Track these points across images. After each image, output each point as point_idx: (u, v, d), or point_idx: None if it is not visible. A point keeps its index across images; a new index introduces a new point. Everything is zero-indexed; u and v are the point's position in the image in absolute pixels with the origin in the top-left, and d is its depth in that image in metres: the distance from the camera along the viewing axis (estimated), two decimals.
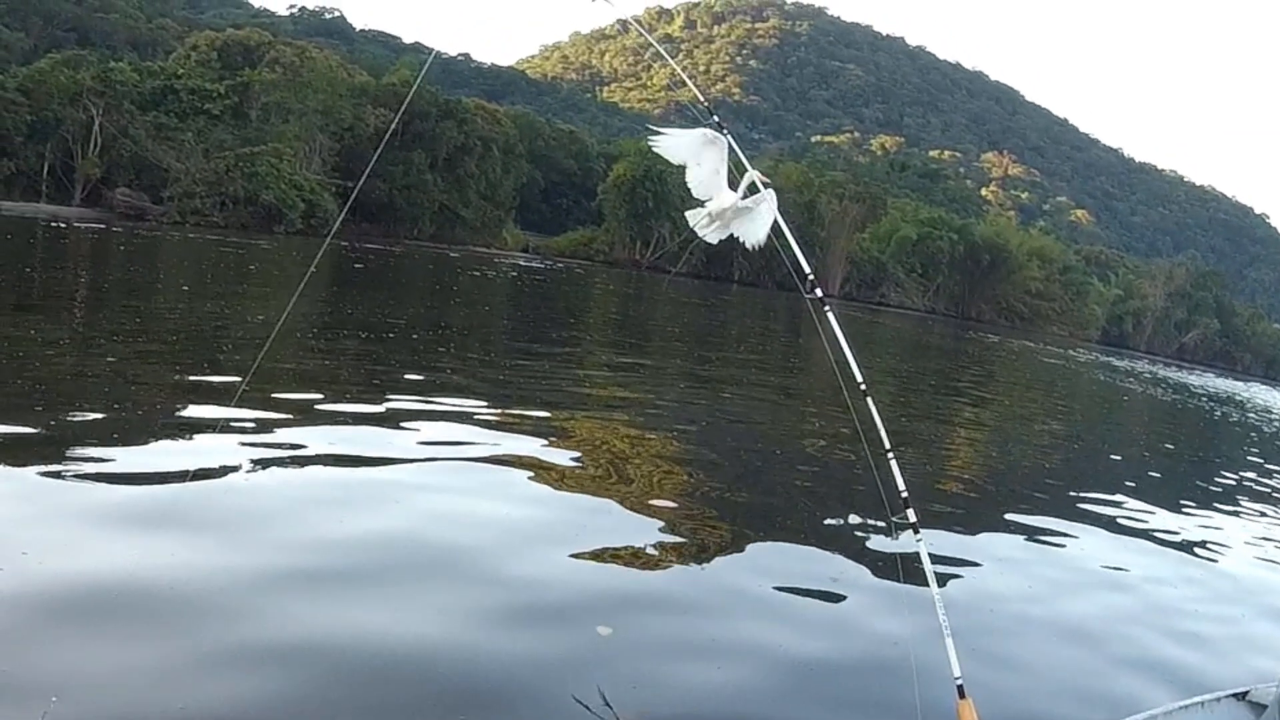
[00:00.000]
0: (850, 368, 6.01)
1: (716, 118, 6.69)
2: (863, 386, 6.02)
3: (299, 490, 11.09)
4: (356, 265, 50.82)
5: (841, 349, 6.00)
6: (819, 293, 6.27)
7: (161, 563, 8.20)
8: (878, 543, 11.59)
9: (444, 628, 7.99)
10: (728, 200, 6.53)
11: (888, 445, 5.89)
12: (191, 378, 16.31)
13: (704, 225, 6.75)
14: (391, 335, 26.17)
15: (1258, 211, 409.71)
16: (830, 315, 6.04)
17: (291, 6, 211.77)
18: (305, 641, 7.37)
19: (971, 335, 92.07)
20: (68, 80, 64.99)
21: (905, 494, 5.79)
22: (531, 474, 13.33)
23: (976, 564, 12.04)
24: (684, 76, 8.03)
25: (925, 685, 6.53)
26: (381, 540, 9.86)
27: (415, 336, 26.76)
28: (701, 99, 7.21)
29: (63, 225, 51.00)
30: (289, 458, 12.04)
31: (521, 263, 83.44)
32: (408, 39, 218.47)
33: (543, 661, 7.65)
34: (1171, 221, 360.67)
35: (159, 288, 30.17)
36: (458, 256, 74.29)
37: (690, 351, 36.45)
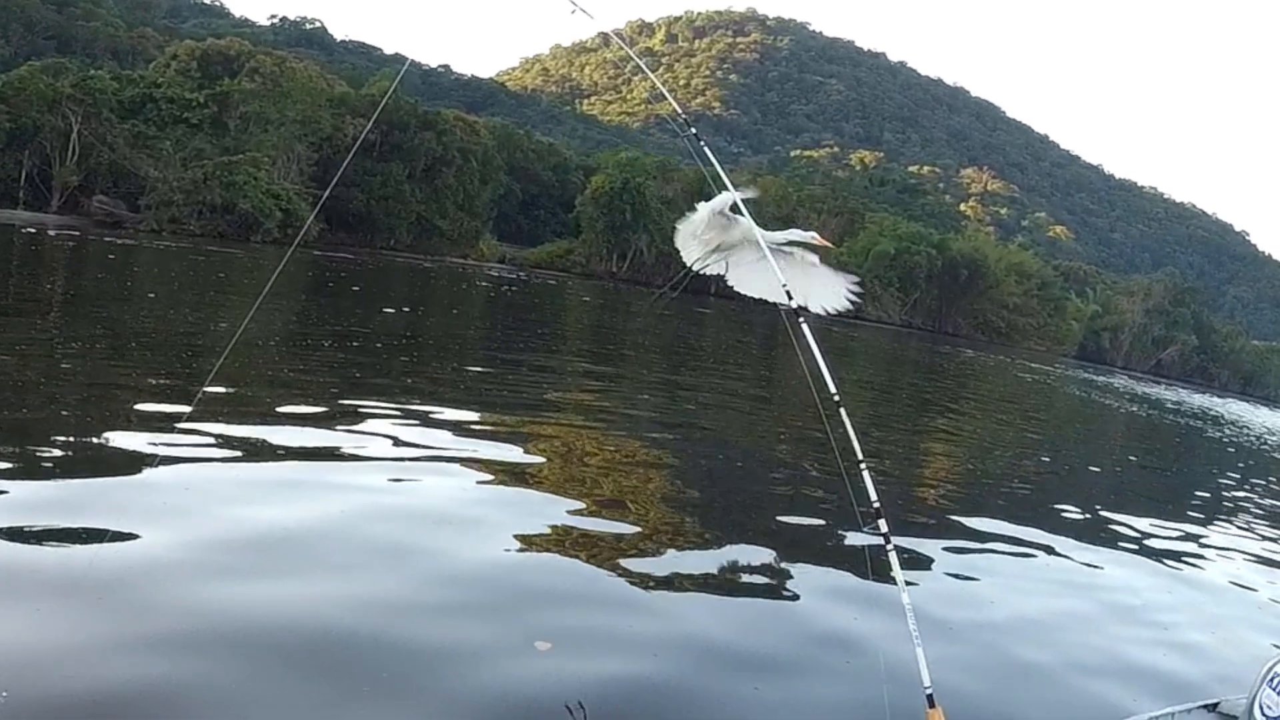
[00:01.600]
0: (824, 378, 6.02)
1: (694, 130, 6.73)
2: (836, 397, 6.03)
3: (243, 482, 11.24)
4: (330, 275, 50.66)
5: (815, 360, 6.01)
6: (794, 304, 6.29)
7: (94, 548, 8.33)
8: (849, 551, 11.58)
9: (371, 614, 8.05)
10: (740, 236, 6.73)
11: (860, 455, 5.91)
12: (150, 381, 16.31)
13: (702, 252, 6.84)
14: (361, 344, 26.10)
15: (1237, 229, 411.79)
16: (805, 326, 6.06)
17: (272, 17, 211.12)
18: (227, 623, 7.49)
19: (948, 349, 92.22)
20: (47, 88, 64.95)
21: (877, 504, 5.80)
22: (490, 474, 13.42)
23: (948, 573, 12.06)
24: (663, 90, 8.09)
25: (896, 693, 6.54)
26: (321, 530, 9.98)
27: (386, 345, 26.67)
28: (680, 112, 7.26)
29: (39, 232, 50.82)
30: (239, 454, 12.17)
31: (497, 274, 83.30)
32: (388, 50, 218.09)
33: (472, 650, 7.73)
34: (1151, 238, 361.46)
35: (126, 295, 30.04)
36: (434, 267, 74.25)
37: (664, 362, 36.48)
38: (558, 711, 6.90)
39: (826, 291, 7.03)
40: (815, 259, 6.90)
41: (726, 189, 6.65)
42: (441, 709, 6.82)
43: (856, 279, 7.17)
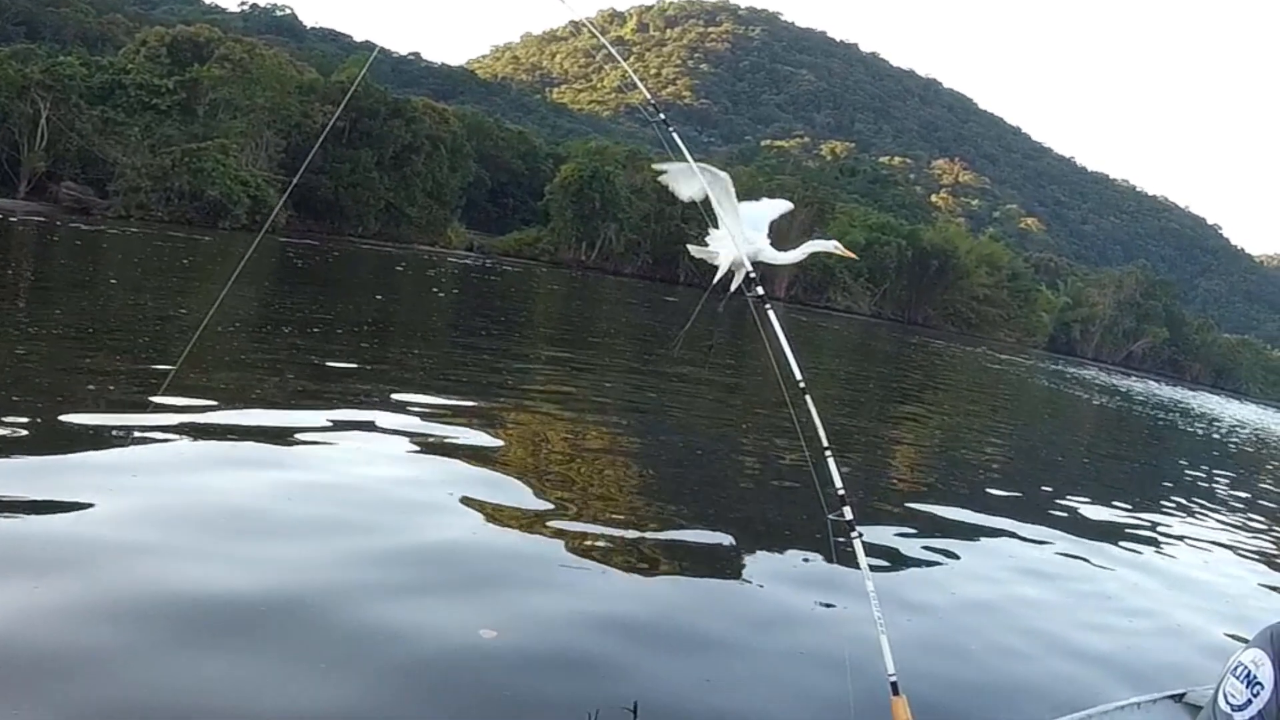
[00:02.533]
0: (790, 366, 5.97)
1: (663, 116, 6.67)
2: (802, 384, 5.98)
3: (201, 461, 11.29)
4: (297, 262, 50.48)
5: (781, 347, 5.97)
6: (759, 290, 6.25)
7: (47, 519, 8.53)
8: (813, 538, 11.50)
9: (317, 591, 8.10)
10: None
11: (825, 443, 5.86)
12: (112, 366, 16.17)
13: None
14: (327, 330, 25.94)
15: (1210, 222, 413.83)
16: (770, 313, 6.01)
17: (242, 4, 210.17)
18: (170, 594, 7.60)
19: (917, 340, 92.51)
20: (15, 73, 64.39)
21: (842, 491, 5.75)
22: (450, 456, 13.44)
23: (914, 560, 12.06)
24: (634, 77, 8.04)
25: (859, 681, 6.50)
26: (272, 508, 10.09)
27: (352, 331, 26.51)
28: (649, 97, 7.21)
29: (5, 219, 50.47)
30: (200, 435, 12.17)
31: (466, 261, 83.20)
32: (358, 37, 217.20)
33: (418, 630, 7.70)
34: (1123, 230, 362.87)
35: (91, 281, 29.81)
36: (402, 254, 74.04)
37: (631, 349, 36.43)
38: (500, 699, 6.86)
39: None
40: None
41: (710, 191, 6.59)
42: (381, 688, 6.79)
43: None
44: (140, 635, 6.89)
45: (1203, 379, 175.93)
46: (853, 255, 6.72)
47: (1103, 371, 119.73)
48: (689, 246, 6.97)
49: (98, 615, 7.04)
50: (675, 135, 6.63)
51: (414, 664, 7.17)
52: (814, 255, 7.06)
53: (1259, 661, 3.51)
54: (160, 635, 6.95)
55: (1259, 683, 3.48)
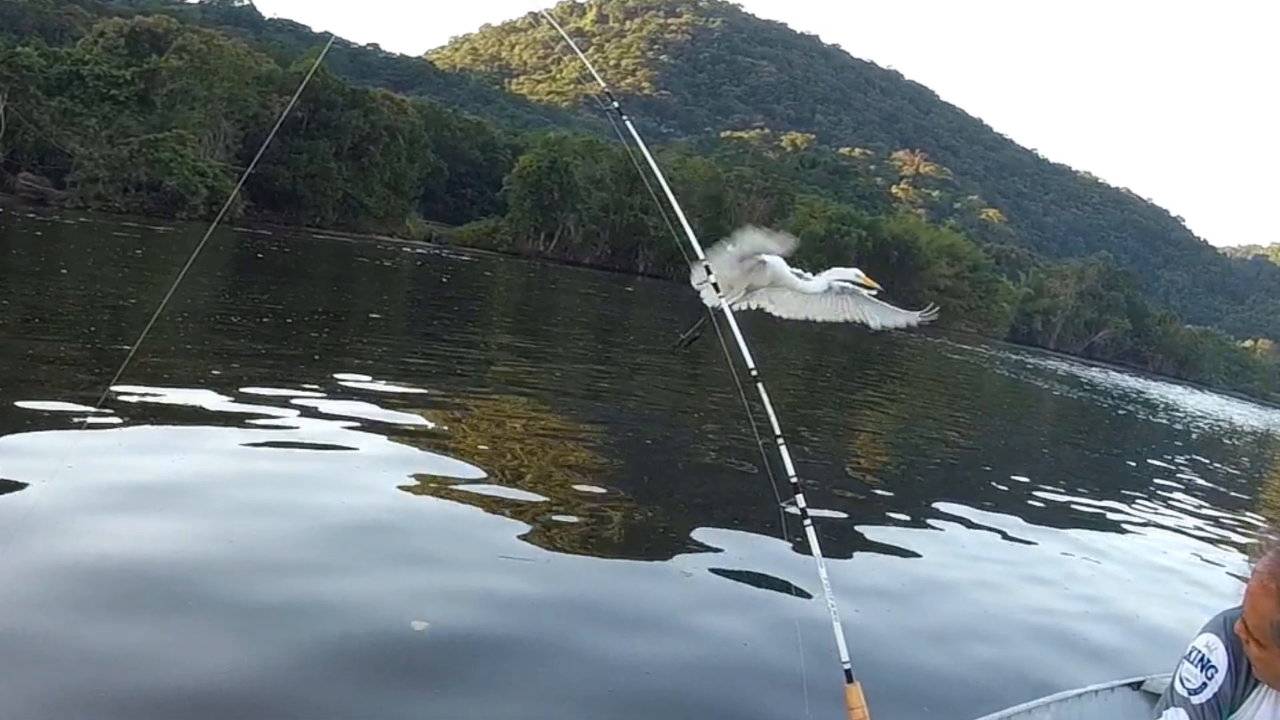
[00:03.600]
0: (742, 354, 5.95)
1: (616, 104, 6.64)
2: (754, 373, 5.95)
3: (143, 442, 11.25)
4: (254, 253, 50.23)
5: (734, 335, 5.94)
6: (713, 278, 6.23)
7: None
8: (767, 526, 11.44)
9: (247, 569, 8.13)
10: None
11: (778, 431, 5.83)
12: (64, 353, 15.99)
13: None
14: (282, 319, 25.74)
15: (1173, 214, 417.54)
16: (723, 301, 6.00)
17: None
18: (95, 561, 7.75)
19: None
20: None
21: (795, 479, 5.72)
22: (401, 441, 13.45)
23: (868, 548, 12.06)
24: (590, 67, 7.98)
25: (814, 668, 6.48)
26: (210, 486, 10.20)
27: (305, 321, 26.29)
28: (603, 84, 7.19)
29: None
30: (146, 418, 12.19)
31: (423, 251, 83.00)
32: (317, 28, 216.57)
33: (346, 608, 7.68)
34: (1085, 222, 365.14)
35: (45, 271, 29.50)
36: (359, 245, 73.86)
37: (590, 339, 36.45)
38: (434, 679, 6.84)
39: (888, 316, 6.97)
40: (868, 294, 6.81)
41: (661, 179, 6.54)
42: (303, 661, 6.80)
43: (919, 314, 7.04)
44: (63, 607, 6.96)
45: (1165, 370, 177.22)
46: (876, 286, 6.63)
47: (1064, 362, 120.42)
48: (704, 299, 6.76)
49: (21, 587, 7.12)
50: (630, 125, 6.60)
51: (340, 640, 7.16)
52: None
53: (1212, 646, 3.56)
54: (85, 607, 7.03)
55: (1213, 666, 3.53)
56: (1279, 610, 3.16)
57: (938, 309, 7.12)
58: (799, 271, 6.74)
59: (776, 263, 6.51)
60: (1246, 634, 3.33)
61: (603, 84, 7.17)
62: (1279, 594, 3.17)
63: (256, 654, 6.76)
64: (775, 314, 6.93)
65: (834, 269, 6.86)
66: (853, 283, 6.79)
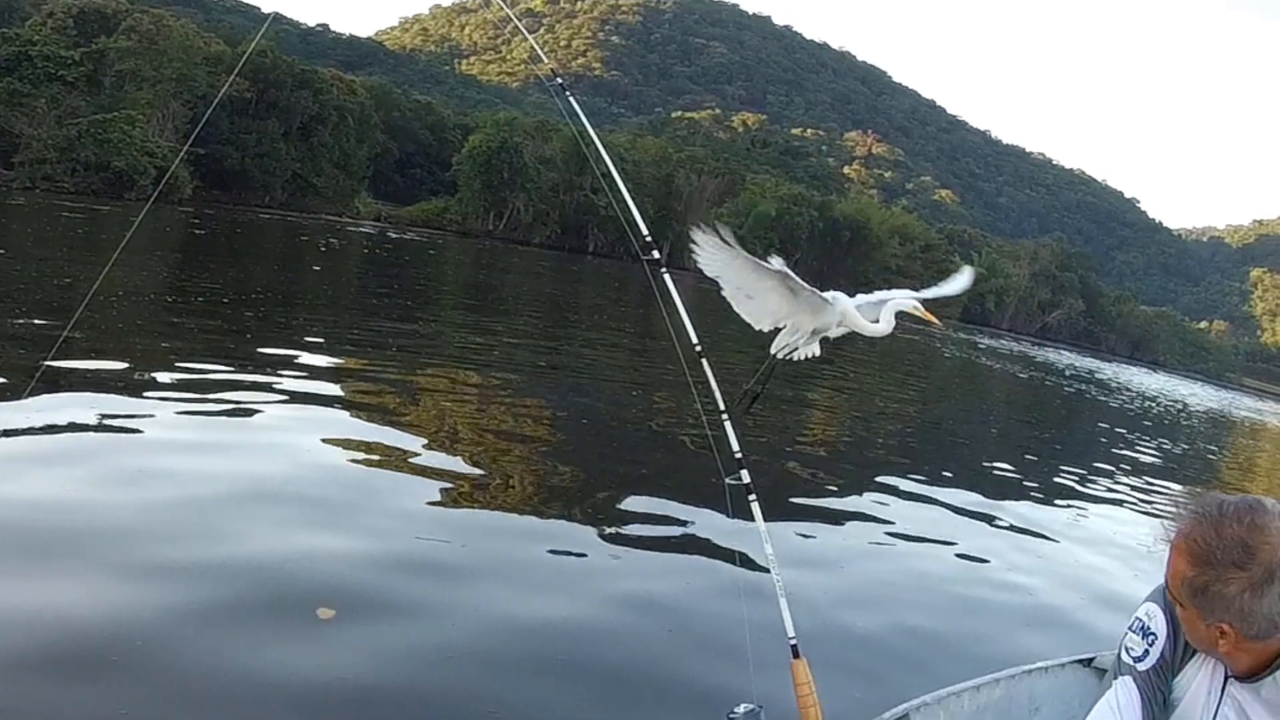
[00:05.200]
0: (685, 329, 5.90)
1: (560, 80, 6.58)
2: (698, 348, 5.91)
3: (80, 415, 11.06)
4: (201, 232, 49.95)
5: (677, 309, 5.89)
6: (655, 254, 6.17)
7: None
8: (713, 501, 11.43)
9: (157, 520, 8.00)
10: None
11: (722, 406, 5.78)
12: None
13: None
14: (228, 297, 25.39)
15: (1128, 196, 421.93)
16: (666, 277, 5.94)
17: None
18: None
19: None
20: None
21: (740, 454, 5.68)
22: (344, 410, 13.52)
23: (814, 524, 12.02)
24: (535, 45, 7.92)
25: (760, 644, 6.44)
26: (136, 455, 10.14)
27: (252, 298, 26.02)
28: (544, 59, 7.12)
29: None
30: (87, 388, 12.13)
31: (372, 231, 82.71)
32: (265, 8, 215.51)
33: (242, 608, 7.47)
34: (1038, 203, 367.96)
35: None
36: (308, 224, 73.52)
37: (540, 316, 36.41)
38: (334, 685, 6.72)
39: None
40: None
41: (604, 154, 6.43)
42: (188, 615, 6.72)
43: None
44: None
45: (1119, 350, 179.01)
46: (937, 323, 6.26)
47: (1016, 342, 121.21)
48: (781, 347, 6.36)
49: None
50: (573, 100, 6.54)
51: (233, 600, 7.17)
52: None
53: (1152, 614, 3.61)
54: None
55: (1153, 633, 3.58)
56: (1190, 568, 3.21)
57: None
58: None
59: (846, 304, 6.20)
60: (1173, 597, 3.36)
61: (550, 64, 7.11)
62: (1188, 553, 3.21)
63: (141, 608, 6.78)
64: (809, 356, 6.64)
65: (893, 301, 6.40)
66: (910, 314, 6.50)
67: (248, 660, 6.41)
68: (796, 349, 6.13)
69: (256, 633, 6.81)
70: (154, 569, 7.43)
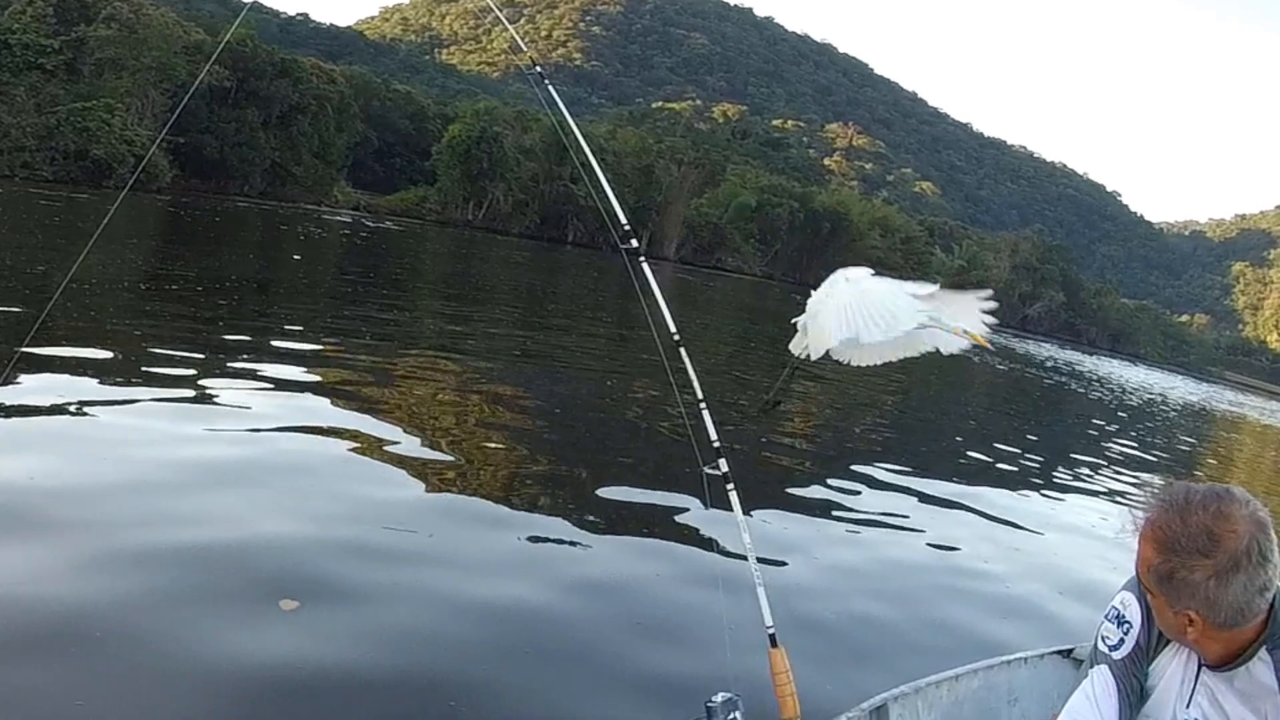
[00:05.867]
0: (664, 318, 5.89)
1: (539, 69, 6.55)
2: (676, 337, 5.89)
3: (58, 399, 11.10)
4: (180, 221, 49.81)
5: (655, 299, 5.87)
6: (634, 244, 6.15)
7: None
8: (691, 489, 11.39)
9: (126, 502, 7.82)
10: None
11: (700, 395, 5.77)
12: None
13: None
14: (206, 286, 25.29)
15: (1110, 189, 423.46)
16: (645, 267, 5.92)
17: None
18: None
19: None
20: None
21: (718, 443, 5.66)
22: (321, 397, 13.56)
23: (793, 514, 12.02)
24: (517, 38, 7.88)
25: (738, 633, 6.44)
26: (103, 434, 10.27)
27: (231, 287, 25.93)
28: (523, 47, 7.09)
29: None
30: (63, 372, 12.07)
31: (350, 220, 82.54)
32: None
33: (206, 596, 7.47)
34: (1019, 196, 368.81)
35: None
36: (287, 213, 73.41)
37: (520, 306, 36.36)
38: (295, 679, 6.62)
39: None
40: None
41: (584, 144, 6.42)
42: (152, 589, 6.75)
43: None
44: None
45: (1100, 343, 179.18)
46: (988, 345, 5.66)
47: (997, 335, 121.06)
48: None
49: None
50: (552, 89, 6.52)
51: (201, 581, 7.19)
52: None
53: (1127, 602, 3.65)
54: None
55: (1128, 621, 3.61)
56: (1157, 556, 3.24)
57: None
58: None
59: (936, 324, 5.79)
60: (1143, 585, 3.38)
61: (530, 54, 7.08)
62: (1154, 540, 3.25)
63: (101, 593, 6.77)
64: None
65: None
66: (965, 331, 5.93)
67: (208, 646, 6.37)
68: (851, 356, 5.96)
69: (218, 619, 6.77)
70: (116, 554, 7.42)
